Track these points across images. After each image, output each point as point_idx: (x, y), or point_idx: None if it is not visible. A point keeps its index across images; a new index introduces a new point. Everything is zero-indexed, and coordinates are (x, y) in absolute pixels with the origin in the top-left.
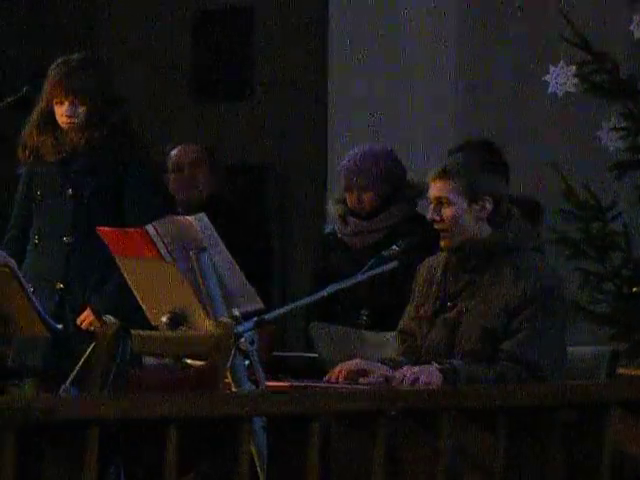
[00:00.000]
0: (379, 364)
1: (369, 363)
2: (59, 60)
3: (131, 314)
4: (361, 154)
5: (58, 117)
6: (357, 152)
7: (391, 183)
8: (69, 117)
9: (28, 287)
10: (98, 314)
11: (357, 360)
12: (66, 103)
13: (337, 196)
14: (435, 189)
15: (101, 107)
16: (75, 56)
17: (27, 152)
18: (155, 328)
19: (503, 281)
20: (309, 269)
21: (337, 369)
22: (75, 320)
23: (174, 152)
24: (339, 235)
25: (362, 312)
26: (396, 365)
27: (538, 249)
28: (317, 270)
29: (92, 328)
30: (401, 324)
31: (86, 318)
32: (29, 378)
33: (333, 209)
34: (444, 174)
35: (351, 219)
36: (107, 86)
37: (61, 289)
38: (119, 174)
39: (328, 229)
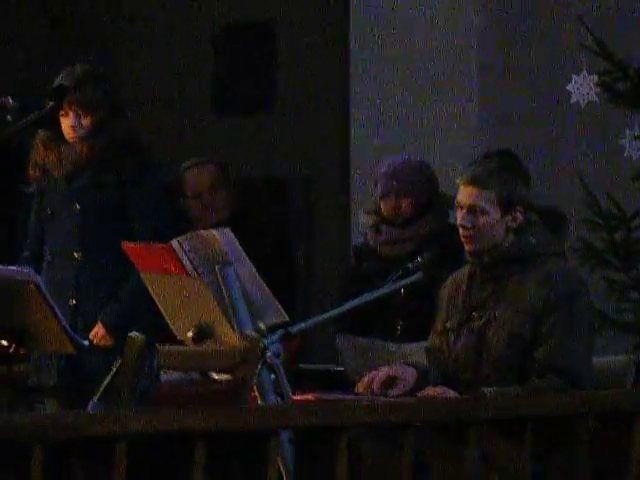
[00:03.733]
0: (408, 368)
1: (397, 369)
2: (62, 73)
3: (143, 328)
4: (400, 161)
5: (64, 130)
6: (396, 160)
7: (428, 192)
8: (74, 129)
9: (54, 304)
10: (109, 329)
11: (386, 368)
12: (71, 114)
13: (367, 207)
14: (469, 196)
15: (105, 118)
16: (78, 68)
17: (36, 169)
18: (177, 342)
19: (528, 287)
20: (333, 281)
21: (367, 379)
22: (87, 336)
23: (190, 176)
24: (371, 244)
25: (398, 323)
26: (426, 374)
27: (561, 255)
28: (348, 282)
29: (103, 343)
30: (428, 343)
31: (97, 333)
32: (48, 397)
33: (364, 219)
34: (479, 181)
35: (384, 227)
36: (111, 97)
37: (73, 305)
38: (124, 186)
39: (359, 240)
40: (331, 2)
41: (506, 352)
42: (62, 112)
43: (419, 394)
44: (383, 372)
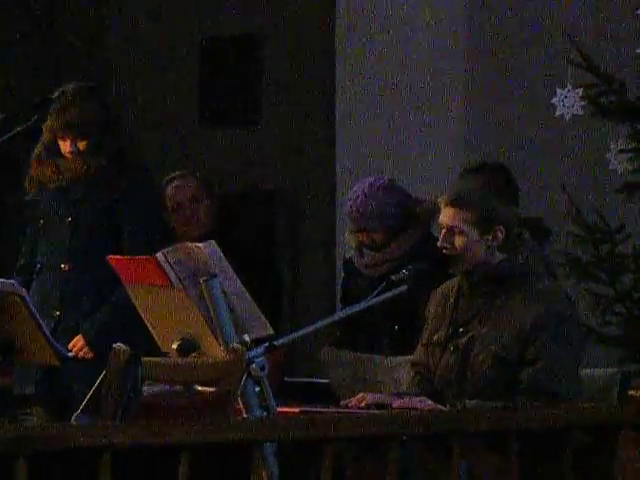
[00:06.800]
0: (398, 399)
1: (391, 397)
2: (56, 93)
3: (124, 340)
4: (361, 198)
5: (62, 150)
6: (357, 195)
7: (398, 216)
8: (71, 153)
9: (38, 315)
10: (89, 341)
11: (380, 394)
12: (68, 141)
13: (350, 226)
14: (447, 217)
15: (100, 136)
16: (70, 87)
17: (32, 184)
18: (159, 354)
19: (515, 307)
20: (318, 294)
21: (359, 396)
22: (67, 347)
23: (170, 189)
24: (356, 265)
25: (384, 339)
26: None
27: (550, 273)
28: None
29: (82, 354)
30: (414, 356)
31: (77, 344)
32: (33, 407)
33: (348, 239)
34: (457, 202)
35: (366, 251)
36: (104, 114)
37: (57, 316)
38: (117, 202)
39: (349, 254)
40: (317, 14)
41: (491, 372)
42: (59, 135)
43: (397, 403)
44: (376, 395)
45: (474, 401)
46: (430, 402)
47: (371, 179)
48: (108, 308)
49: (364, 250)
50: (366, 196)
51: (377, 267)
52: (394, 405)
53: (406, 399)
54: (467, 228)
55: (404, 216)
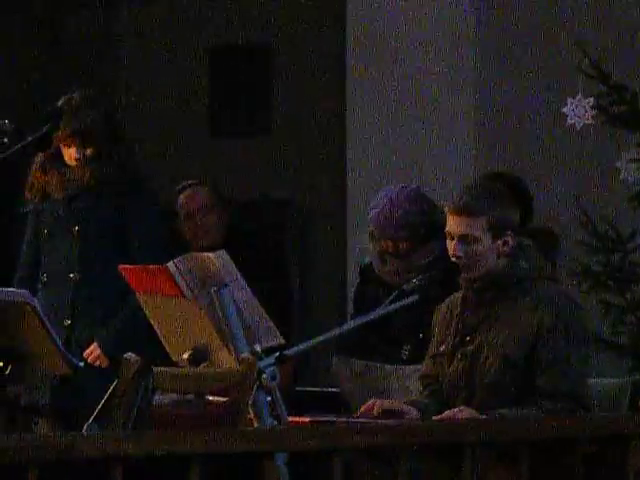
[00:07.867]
0: (412, 408)
1: (400, 405)
2: (61, 100)
3: (138, 349)
4: (389, 206)
5: (66, 158)
6: (385, 203)
7: (424, 224)
8: (77, 160)
9: (49, 325)
10: (105, 350)
11: (393, 400)
12: (73, 147)
13: (370, 231)
14: (460, 225)
15: (107, 144)
16: (76, 94)
17: (34, 192)
18: (171, 364)
19: (521, 311)
20: (329, 303)
21: (370, 403)
22: (81, 356)
23: (182, 198)
24: (377, 272)
25: (405, 348)
26: (425, 408)
27: (553, 278)
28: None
29: (97, 363)
30: (423, 369)
31: (92, 352)
32: (41, 417)
33: (370, 245)
34: (468, 210)
35: (389, 258)
36: (111, 122)
37: (68, 326)
38: (124, 210)
39: (366, 261)
40: (328, 24)
41: (498, 378)
42: (64, 142)
43: (439, 416)
44: (388, 401)
45: (509, 410)
46: (470, 410)
47: (398, 187)
48: (123, 316)
49: (387, 257)
50: (393, 204)
51: (399, 275)
52: (437, 418)
53: (450, 412)
54: (480, 234)
55: (430, 225)
